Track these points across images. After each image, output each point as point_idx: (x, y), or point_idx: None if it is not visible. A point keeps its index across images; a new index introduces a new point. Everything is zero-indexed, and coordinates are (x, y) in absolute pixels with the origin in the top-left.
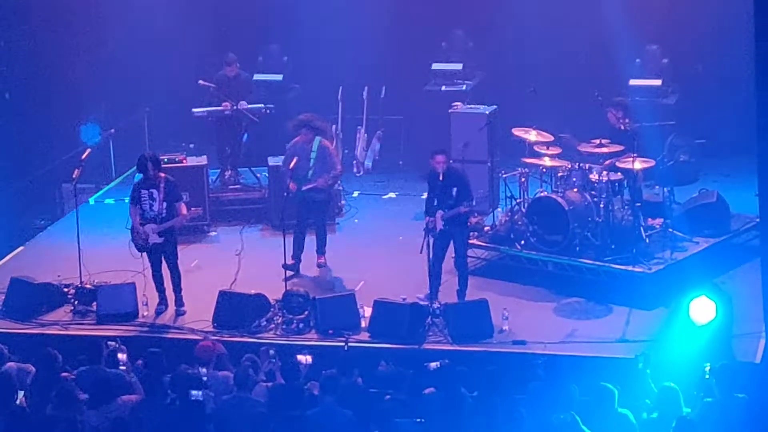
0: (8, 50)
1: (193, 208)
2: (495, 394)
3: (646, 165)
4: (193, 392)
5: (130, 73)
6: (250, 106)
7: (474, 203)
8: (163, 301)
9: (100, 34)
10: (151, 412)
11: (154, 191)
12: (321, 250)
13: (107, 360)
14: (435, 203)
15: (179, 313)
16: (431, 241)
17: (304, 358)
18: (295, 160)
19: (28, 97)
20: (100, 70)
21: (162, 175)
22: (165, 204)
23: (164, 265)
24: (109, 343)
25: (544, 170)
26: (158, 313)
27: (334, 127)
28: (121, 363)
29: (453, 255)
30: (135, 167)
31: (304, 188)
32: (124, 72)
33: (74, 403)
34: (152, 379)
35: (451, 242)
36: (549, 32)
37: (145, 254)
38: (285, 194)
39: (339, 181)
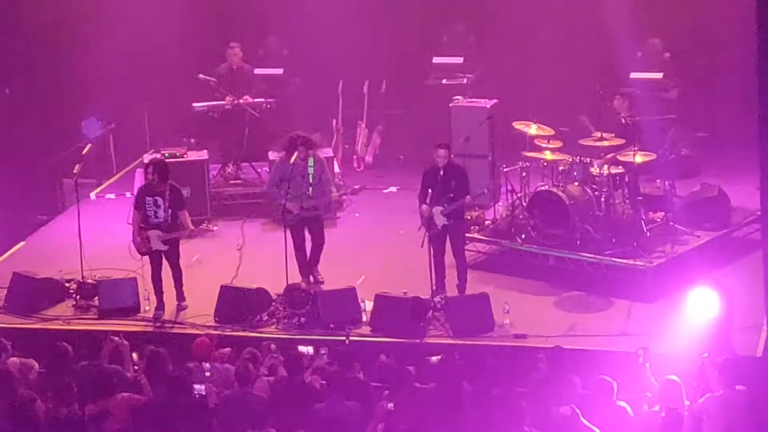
0: (8, 46)
1: (203, 225)
2: (496, 387)
3: (647, 159)
4: (196, 386)
5: (131, 67)
6: (252, 100)
7: (479, 195)
8: (160, 306)
9: (100, 28)
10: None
11: (159, 198)
12: (316, 266)
13: (109, 356)
14: (430, 197)
15: (180, 308)
16: (429, 236)
17: (306, 350)
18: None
19: (28, 93)
20: (100, 65)
21: (167, 182)
22: (170, 211)
23: (164, 266)
24: (113, 337)
25: (545, 164)
26: (156, 317)
27: (334, 121)
28: (134, 363)
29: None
30: (135, 162)
31: (305, 206)
32: (125, 66)
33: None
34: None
35: (448, 236)
36: (550, 25)
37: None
38: (291, 214)
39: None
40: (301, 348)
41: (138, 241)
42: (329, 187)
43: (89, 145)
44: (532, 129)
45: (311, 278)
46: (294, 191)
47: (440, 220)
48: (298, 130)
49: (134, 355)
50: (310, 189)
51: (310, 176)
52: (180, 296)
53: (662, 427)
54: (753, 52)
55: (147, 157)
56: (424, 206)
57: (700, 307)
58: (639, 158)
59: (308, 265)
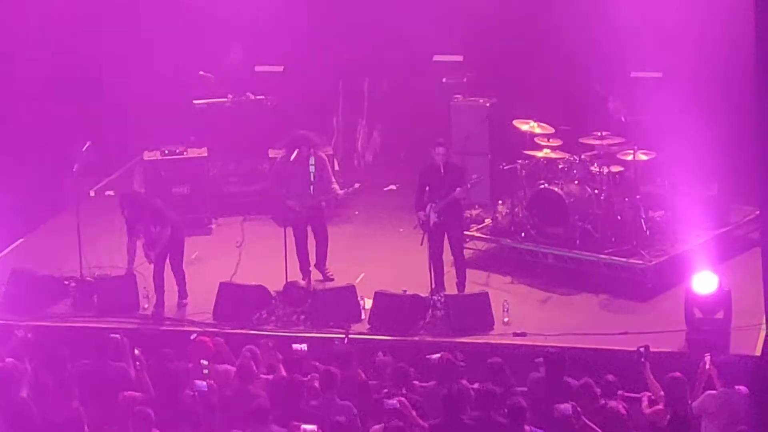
0: (10, 43)
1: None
2: (495, 385)
3: (647, 157)
4: (198, 382)
5: (132, 63)
6: (252, 98)
7: (469, 186)
8: (160, 304)
9: (102, 25)
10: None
11: (146, 222)
12: (324, 263)
13: (112, 354)
14: (428, 196)
15: (180, 306)
16: (428, 234)
17: (300, 347)
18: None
19: (29, 90)
20: (101, 61)
21: (147, 206)
22: (158, 228)
23: (167, 265)
24: (112, 335)
25: (545, 162)
26: (155, 315)
27: (334, 119)
28: (135, 360)
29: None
30: (135, 161)
31: (306, 205)
32: (126, 62)
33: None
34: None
35: (446, 235)
36: (549, 23)
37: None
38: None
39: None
40: (295, 346)
41: (146, 255)
42: (330, 185)
43: (89, 143)
44: (532, 127)
45: (321, 275)
46: (295, 190)
47: (433, 217)
48: (300, 129)
49: (136, 351)
50: (311, 188)
51: (312, 175)
52: (180, 293)
53: (669, 427)
54: (751, 49)
55: (147, 155)
56: (421, 213)
57: (702, 284)
58: (639, 156)
59: (316, 263)
